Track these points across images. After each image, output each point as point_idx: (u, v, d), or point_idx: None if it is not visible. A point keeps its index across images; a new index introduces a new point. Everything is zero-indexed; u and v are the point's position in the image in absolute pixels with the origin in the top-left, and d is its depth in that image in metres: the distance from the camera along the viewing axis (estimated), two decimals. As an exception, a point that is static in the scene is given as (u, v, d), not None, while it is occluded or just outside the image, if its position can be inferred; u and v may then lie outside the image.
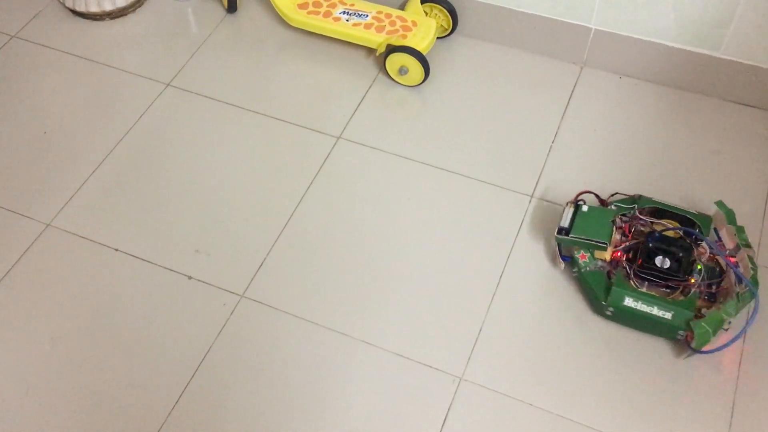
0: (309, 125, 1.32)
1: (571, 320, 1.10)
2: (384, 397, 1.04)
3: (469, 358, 1.07)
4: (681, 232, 1.12)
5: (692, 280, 1.06)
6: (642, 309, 1.05)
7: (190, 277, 1.17)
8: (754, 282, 1.04)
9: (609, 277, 1.09)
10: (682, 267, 1.07)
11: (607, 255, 1.10)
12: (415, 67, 1.34)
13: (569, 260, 1.13)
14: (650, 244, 1.08)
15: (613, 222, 1.12)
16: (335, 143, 1.30)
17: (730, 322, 1.01)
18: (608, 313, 1.08)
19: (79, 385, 1.07)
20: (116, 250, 1.20)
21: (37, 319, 1.13)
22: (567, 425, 1.01)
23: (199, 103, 1.36)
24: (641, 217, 1.13)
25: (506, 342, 1.08)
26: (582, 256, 1.10)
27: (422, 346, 1.08)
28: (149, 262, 1.19)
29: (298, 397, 1.05)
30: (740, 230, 1.09)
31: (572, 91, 1.34)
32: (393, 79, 1.37)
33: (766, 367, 1.05)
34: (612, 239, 1.11)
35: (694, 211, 1.13)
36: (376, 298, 1.14)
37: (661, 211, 1.14)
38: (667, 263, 1.07)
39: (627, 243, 1.11)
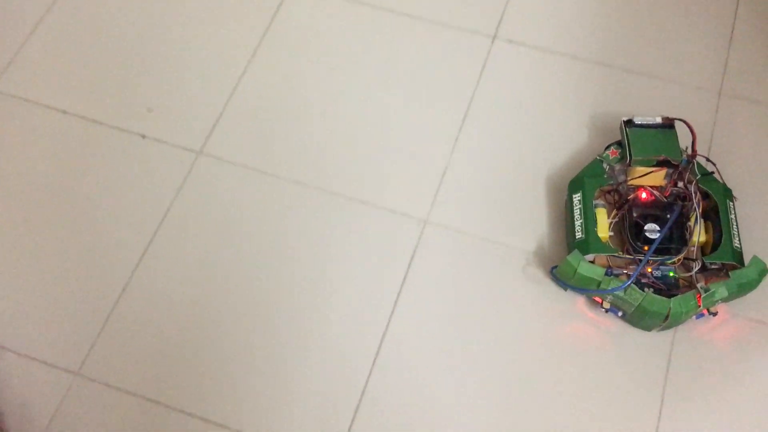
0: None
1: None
2: (350, 245, 1.03)
3: (433, 202, 1.06)
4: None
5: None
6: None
7: (143, 136, 1.13)
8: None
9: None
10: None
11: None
12: None
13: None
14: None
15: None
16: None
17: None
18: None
19: (35, 252, 1.04)
20: (64, 112, 1.15)
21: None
22: (526, 257, 1.02)
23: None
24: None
25: (470, 184, 1.07)
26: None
27: (386, 193, 1.07)
28: (100, 123, 1.14)
29: (264, 251, 1.03)
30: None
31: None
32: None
33: None
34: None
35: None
36: (338, 147, 1.11)
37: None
38: (656, 230, 0.93)
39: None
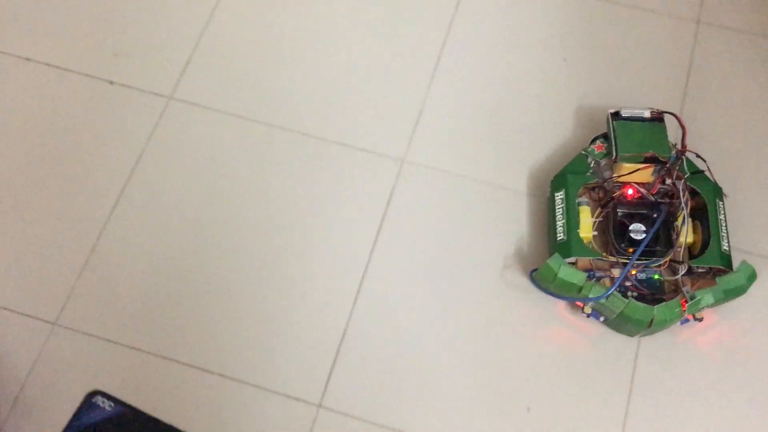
0: None
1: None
2: (328, 187, 1.02)
3: (410, 141, 1.04)
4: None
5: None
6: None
7: (111, 82, 1.10)
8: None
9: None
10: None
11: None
12: None
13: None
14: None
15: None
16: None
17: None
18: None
19: (6, 204, 1.02)
20: (27, 59, 1.12)
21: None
22: (502, 193, 1.01)
23: None
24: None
25: (447, 122, 1.05)
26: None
27: (363, 134, 1.05)
28: (66, 69, 1.11)
29: (240, 195, 1.02)
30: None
31: None
32: None
33: None
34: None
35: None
36: (312, 89, 1.08)
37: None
38: (642, 230, 0.88)
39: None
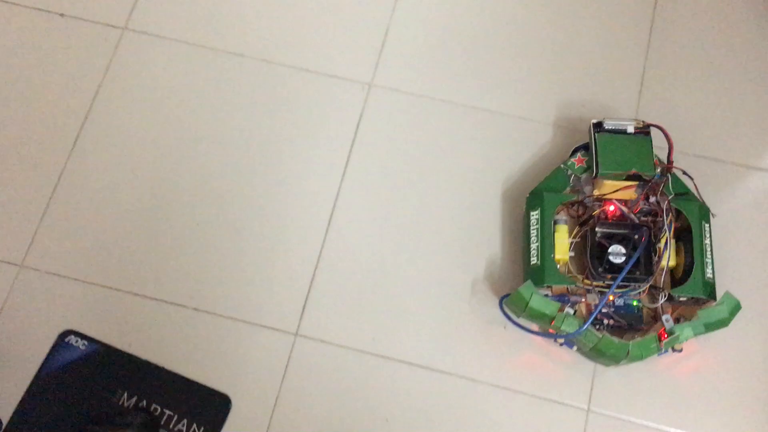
0: None
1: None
2: (295, 114, 0.99)
3: (377, 64, 1.02)
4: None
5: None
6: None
7: (62, 15, 1.05)
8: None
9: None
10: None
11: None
12: None
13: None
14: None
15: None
16: None
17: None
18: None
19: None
20: (-28, -6, 1.06)
21: None
22: (480, 115, 0.99)
23: None
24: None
25: (415, 43, 1.03)
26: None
27: (328, 59, 1.02)
28: (13, 3, 1.06)
29: (205, 125, 0.99)
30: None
31: None
32: None
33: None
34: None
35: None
36: (274, 14, 1.05)
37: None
38: (621, 253, 0.83)
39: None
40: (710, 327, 0.82)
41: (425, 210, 0.94)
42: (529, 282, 0.83)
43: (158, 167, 0.97)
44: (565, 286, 0.85)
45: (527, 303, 0.82)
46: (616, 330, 0.85)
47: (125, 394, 0.87)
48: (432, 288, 0.91)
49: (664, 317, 0.82)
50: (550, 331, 0.84)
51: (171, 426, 0.85)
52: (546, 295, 0.84)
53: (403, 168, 0.96)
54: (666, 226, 0.84)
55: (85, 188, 0.97)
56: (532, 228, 0.86)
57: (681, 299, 0.84)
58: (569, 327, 0.81)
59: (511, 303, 0.85)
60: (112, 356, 0.88)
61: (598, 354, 0.83)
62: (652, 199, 0.86)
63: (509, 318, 0.86)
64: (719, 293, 0.84)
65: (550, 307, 0.82)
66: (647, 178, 0.85)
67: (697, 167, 0.92)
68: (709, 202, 0.89)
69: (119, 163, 0.98)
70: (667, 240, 0.84)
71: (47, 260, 0.93)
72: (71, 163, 0.98)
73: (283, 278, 0.92)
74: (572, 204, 0.88)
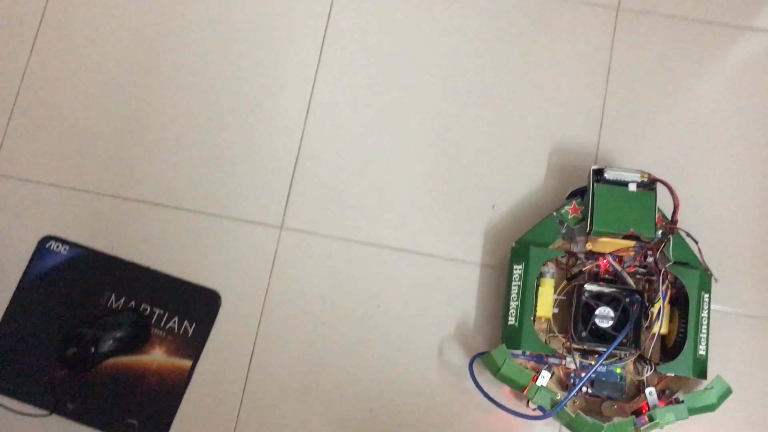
0: None
1: None
2: (266, 1, 0.95)
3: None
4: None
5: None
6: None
7: None
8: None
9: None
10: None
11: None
12: None
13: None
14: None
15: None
16: None
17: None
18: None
19: None
20: None
21: None
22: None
23: None
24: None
25: None
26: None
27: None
28: None
29: (175, 17, 0.94)
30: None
31: None
32: None
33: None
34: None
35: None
36: None
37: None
38: (609, 316, 0.76)
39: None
40: (695, 412, 0.76)
41: (406, 92, 0.92)
42: (503, 346, 0.77)
43: (127, 64, 0.93)
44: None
45: (499, 368, 0.77)
46: (595, 397, 0.80)
47: (113, 296, 0.86)
48: (415, 171, 0.89)
49: (647, 390, 0.76)
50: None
51: (162, 324, 0.85)
52: (523, 352, 0.79)
53: (382, 49, 0.93)
54: (661, 294, 0.77)
55: (50, 90, 0.93)
56: (513, 284, 0.80)
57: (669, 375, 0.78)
58: (542, 401, 0.76)
59: (483, 362, 0.80)
60: (95, 259, 0.87)
61: (571, 428, 0.78)
62: (650, 259, 0.79)
63: (477, 384, 0.79)
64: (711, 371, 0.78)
65: (522, 375, 0.76)
66: (645, 241, 0.78)
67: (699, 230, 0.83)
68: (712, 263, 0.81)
69: (84, 61, 0.93)
70: (660, 308, 0.77)
71: (18, 167, 0.90)
72: (33, 63, 0.93)
73: (264, 171, 0.90)
74: (562, 255, 0.82)
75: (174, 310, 0.86)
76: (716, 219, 0.87)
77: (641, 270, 0.80)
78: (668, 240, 0.79)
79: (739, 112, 0.90)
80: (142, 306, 0.86)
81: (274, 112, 0.91)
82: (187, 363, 0.84)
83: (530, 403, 0.77)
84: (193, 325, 0.85)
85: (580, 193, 0.83)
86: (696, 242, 0.81)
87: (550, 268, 0.81)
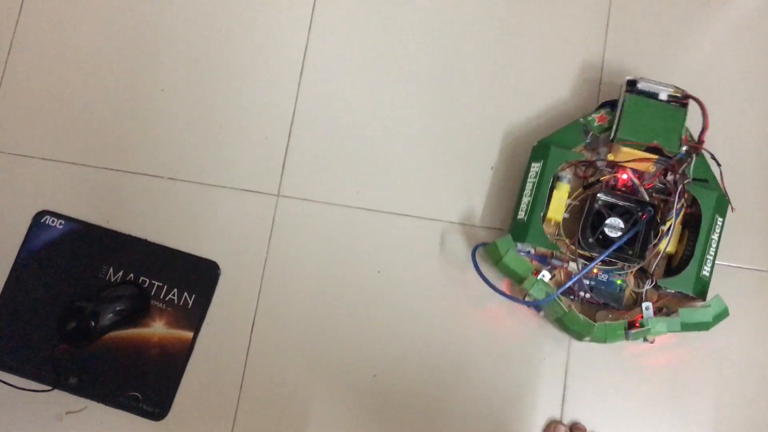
0: None
1: None
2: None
3: None
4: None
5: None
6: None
7: None
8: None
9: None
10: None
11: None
12: None
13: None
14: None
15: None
16: None
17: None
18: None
19: None
20: None
21: None
22: None
23: None
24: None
25: None
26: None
27: None
28: None
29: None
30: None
31: None
32: None
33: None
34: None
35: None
36: None
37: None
38: (619, 227, 0.76)
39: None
40: (688, 327, 0.76)
41: (400, 53, 0.90)
42: (508, 237, 0.77)
43: (118, 36, 0.92)
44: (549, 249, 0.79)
45: (501, 258, 0.77)
46: (592, 305, 0.79)
47: (111, 269, 0.85)
48: (412, 135, 0.88)
49: (644, 305, 0.76)
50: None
51: (162, 296, 0.85)
52: (528, 251, 0.79)
53: (374, 11, 0.91)
54: (674, 211, 0.76)
55: (40, 63, 0.91)
56: (528, 180, 0.79)
57: (668, 290, 0.78)
58: (537, 293, 0.76)
59: (485, 251, 0.80)
60: (92, 233, 0.86)
61: (561, 326, 0.79)
62: (669, 177, 0.78)
63: (478, 270, 0.79)
64: (712, 294, 0.77)
65: (523, 267, 0.77)
66: (669, 155, 0.77)
67: (726, 153, 0.82)
68: (733, 195, 0.80)
69: (74, 33, 0.92)
70: (671, 225, 0.76)
71: (10, 142, 0.89)
72: (20, 35, 0.92)
73: (258, 139, 0.88)
74: (582, 163, 0.80)
75: (173, 281, 0.85)
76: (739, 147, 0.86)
77: (659, 186, 0.79)
78: (691, 160, 0.77)
79: (740, 57, 0.89)
80: (141, 278, 0.85)
81: (267, 79, 0.90)
82: (189, 334, 0.84)
83: (527, 297, 0.77)
84: (193, 297, 0.85)
85: (610, 104, 0.81)
86: (719, 165, 0.79)
87: (568, 174, 0.80)
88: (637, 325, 0.75)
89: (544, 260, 0.79)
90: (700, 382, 0.82)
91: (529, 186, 0.79)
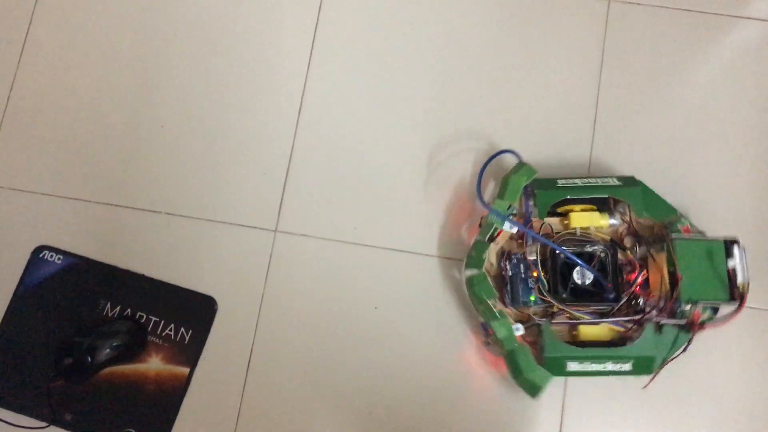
0: None
1: None
2: (256, 3, 0.94)
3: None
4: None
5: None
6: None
7: None
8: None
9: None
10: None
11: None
12: None
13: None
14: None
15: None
16: None
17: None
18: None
19: None
20: None
21: None
22: None
23: None
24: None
25: None
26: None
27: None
28: None
29: (163, 24, 0.94)
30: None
31: None
32: None
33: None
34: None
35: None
36: None
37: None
38: (589, 276, 0.79)
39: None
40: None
41: (397, 92, 0.91)
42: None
43: (118, 71, 0.93)
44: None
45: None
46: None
47: (108, 305, 0.85)
48: (409, 171, 0.89)
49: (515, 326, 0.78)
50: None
51: (159, 332, 0.85)
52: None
53: (374, 47, 0.92)
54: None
55: (41, 98, 0.92)
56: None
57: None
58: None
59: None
60: (90, 268, 0.87)
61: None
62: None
63: (480, 196, 0.83)
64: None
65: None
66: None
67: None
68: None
69: (75, 69, 0.93)
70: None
71: (10, 177, 0.90)
72: (23, 71, 0.93)
73: (257, 175, 0.89)
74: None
75: (170, 317, 0.85)
76: (714, 207, 0.87)
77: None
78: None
79: (734, 100, 0.90)
80: (138, 314, 0.85)
81: (265, 115, 0.91)
82: (185, 370, 0.84)
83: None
84: (190, 332, 0.85)
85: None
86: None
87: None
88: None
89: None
90: (699, 407, 0.82)
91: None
